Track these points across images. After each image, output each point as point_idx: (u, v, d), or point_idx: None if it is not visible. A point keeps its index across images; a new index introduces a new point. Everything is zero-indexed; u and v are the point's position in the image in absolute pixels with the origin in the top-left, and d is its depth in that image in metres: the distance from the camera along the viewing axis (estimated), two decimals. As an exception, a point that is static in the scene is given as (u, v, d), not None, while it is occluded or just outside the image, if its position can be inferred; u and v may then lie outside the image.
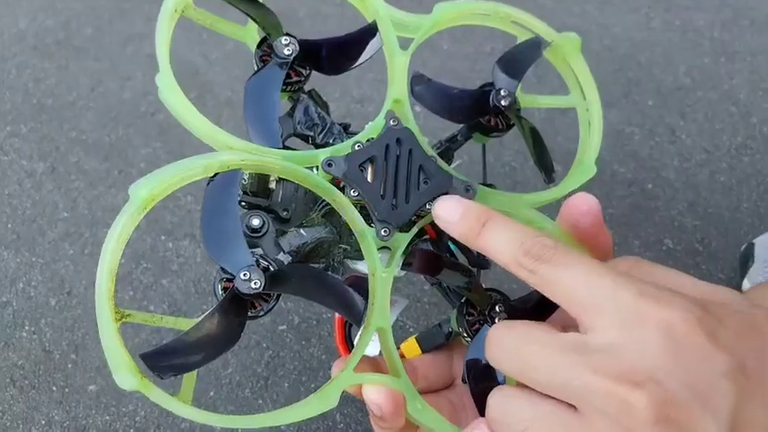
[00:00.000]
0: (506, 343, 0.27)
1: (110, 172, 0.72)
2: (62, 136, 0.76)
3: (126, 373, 0.27)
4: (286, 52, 0.34)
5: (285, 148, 0.34)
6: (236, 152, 0.31)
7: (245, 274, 0.28)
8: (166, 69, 0.32)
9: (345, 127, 0.36)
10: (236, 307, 0.29)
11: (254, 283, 0.28)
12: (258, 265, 0.29)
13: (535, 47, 0.38)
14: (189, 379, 0.30)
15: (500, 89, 0.36)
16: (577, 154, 0.38)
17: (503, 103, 0.36)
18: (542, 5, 0.90)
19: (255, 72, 0.34)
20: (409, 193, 0.32)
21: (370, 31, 0.35)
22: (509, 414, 0.26)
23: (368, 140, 0.33)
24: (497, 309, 0.32)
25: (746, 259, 0.63)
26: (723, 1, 0.92)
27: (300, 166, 0.31)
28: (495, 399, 0.27)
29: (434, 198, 0.31)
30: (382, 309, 0.30)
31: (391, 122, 0.33)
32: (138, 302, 0.60)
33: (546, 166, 0.37)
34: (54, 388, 0.54)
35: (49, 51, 0.86)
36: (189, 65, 0.81)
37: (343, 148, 0.32)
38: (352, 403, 0.54)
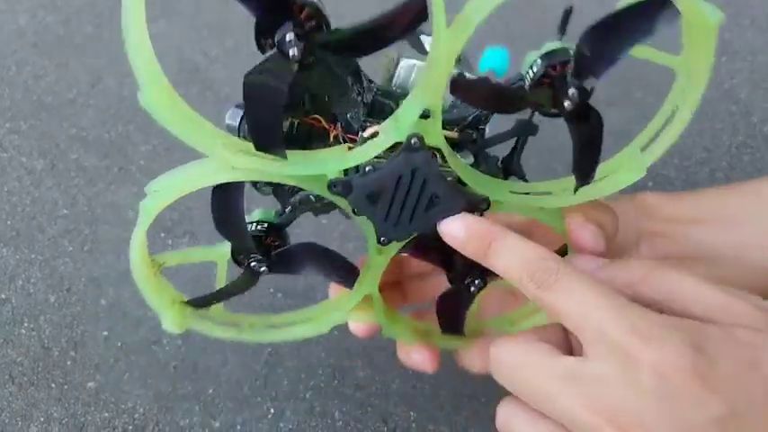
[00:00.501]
0: (504, 362, 0.28)
1: (109, 169, 0.72)
2: (62, 133, 0.76)
3: (171, 324, 0.36)
4: (291, 54, 0.27)
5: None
6: (242, 171, 0.30)
7: (253, 264, 0.34)
8: (153, 80, 0.27)
9: (372, 106, 0.31)
10: (250, 274, 0.36)
11: (262, 269, 0.34)
12: (265, 240, 0.34)
13: (663, 16, 0.26)
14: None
15: (569, 90, 0.27)
16: (636, 140, 0.32)
17: (565, 105, 0.28)
18: (540, 2, 0.90)
19: (256, 67, 0.29)
20: (414, 215, 0.31)
21: (416, 7, 0.26)
22: (511, 429, 0.28)
23: (380, 156, 0.29)
24: (476, 283, 0.34)
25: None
26: (724, 0, 0.92)
27: (310, 183, 0.31)
28: (502, 412, 0.29)
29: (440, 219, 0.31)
30: (372, 280, 0.34)
31: (413, 141, 0.28)
32: (138, 300, 0.60)
33: (587, 172, 0.31)
34: (53, 385, 0.54)
35: (48, 48, 0.86)
36: (189, 63, 0.80)
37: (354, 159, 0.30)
38: (351, 401, 0.54)
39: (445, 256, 0.34)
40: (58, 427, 0.52)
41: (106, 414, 0.53)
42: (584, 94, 0.28)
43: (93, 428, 0.52)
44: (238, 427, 0.52)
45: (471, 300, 0.35)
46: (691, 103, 0.30)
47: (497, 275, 0.33)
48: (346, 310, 0.36)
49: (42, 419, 0.52)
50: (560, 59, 0.27)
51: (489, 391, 0.54)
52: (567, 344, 0.30)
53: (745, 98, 0.80)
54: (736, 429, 0.23)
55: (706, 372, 0.23)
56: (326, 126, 0.31)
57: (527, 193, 0.33)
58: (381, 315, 0.36)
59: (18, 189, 0.70)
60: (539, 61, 0.27)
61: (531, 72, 0.28)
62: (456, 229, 0.30)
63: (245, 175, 0.30)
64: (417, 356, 0.37)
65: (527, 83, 0.28)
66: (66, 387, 0.54)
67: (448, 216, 0.30)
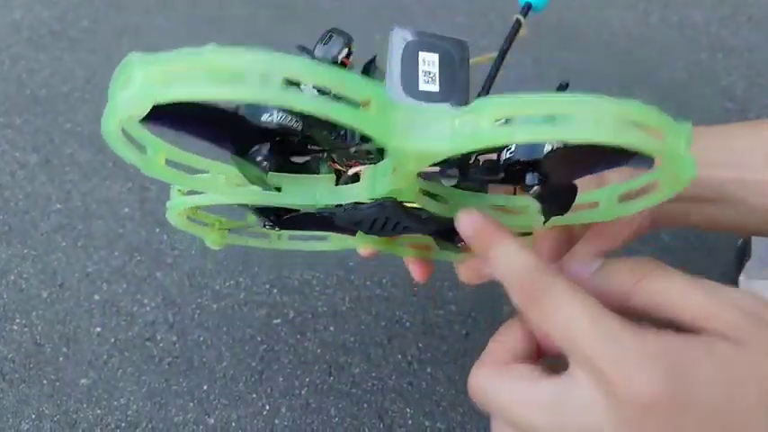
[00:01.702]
0: (483, 390, 0.28)
1: (104, 164, 0.71)
2: (56, 128, 0.75)
3: (212, 243, 0.41)
4: (264, 166, 0.29)
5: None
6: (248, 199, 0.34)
7: (266, 225, 0.37)
8: (145, 165, 0.29)
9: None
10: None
11: (275, 229, 0.37)
12: (276, 209, 0.36)
13: (638, 158, 0.24)
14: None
15: (531, 186, 0.29)
16: (616, 187, 0.33)
17: (529, 194, 0.30)
18: (540, 0, 0.90)
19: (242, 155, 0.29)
20: (393, 232, 0.34)
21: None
22: None
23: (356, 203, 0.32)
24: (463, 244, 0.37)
25: (742, 254, 0.63)
26: (721, -3, 0.92)
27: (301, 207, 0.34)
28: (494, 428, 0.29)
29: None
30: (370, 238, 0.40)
31: (385, 203, 0.31)
32: (132, 296, 0.60)
33: (554, 216, 0.32)
34: (45, 382, 0.54)
35: (43, 42, 0.85)
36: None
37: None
38: (347, 397, 0.53)
39: (434, 230, 0.37)
40: (49, 424, 0.52)
41: (99, 411, 0.52)
42: (545, 185, 0.28)
43: (86, 425, 0.52)
44: (233, 424, 0.52)
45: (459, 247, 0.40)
46: (670, 189, 0.29)
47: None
48: (355, 244, 0.42)
49: (34, 416, 0.52)
50: (530, 157, 0.28)
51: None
52: (537, 348, 0.30)
53: (742, 95, 0.80)
54: None
55: (685, 400, 0.24)
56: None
57: (503, 206, 0.34)
58: (384, 243, 0.41)
59: (11, 184, 0.69)
60: (512, 148, 0.28)
61: (505, 154, 0.29)
62: (466, 228, 0.31)
63: (245, 201, 0.34)
64: (412, 267, 0.43)
65: (502, 158, 0.29)
66: (58, 384, 0.54)
67: (421, 233, 0.34)
